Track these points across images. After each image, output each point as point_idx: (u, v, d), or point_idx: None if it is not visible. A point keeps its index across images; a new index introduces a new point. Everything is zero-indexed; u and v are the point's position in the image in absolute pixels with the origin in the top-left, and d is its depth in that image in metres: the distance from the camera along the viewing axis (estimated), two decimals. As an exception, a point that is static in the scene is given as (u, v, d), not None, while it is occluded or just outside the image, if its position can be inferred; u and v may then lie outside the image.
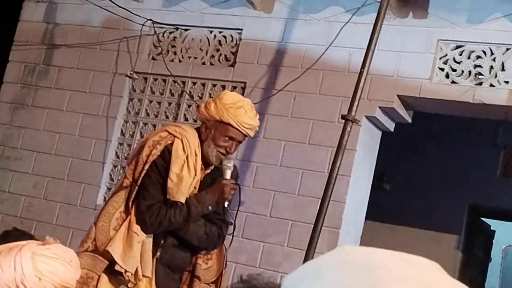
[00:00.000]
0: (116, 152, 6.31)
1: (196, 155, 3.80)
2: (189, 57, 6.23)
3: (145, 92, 6.34)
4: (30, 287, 2.10)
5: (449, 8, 5.37)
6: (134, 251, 3.67)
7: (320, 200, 4.81)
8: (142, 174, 3.75)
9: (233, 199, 4.02)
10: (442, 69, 5.37)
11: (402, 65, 5.42)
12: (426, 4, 5.45)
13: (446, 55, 5.39)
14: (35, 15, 6.84)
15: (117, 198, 3.78)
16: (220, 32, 6.17)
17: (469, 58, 5.32)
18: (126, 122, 6.37)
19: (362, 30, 5.38)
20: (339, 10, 5.67)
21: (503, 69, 5.22)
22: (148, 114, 6.30)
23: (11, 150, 6.60)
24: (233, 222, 4.02)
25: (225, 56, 6.12)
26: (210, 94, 6.07)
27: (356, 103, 4.63)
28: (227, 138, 3.82)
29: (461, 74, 5.31)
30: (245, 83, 5.96)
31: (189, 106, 6.14)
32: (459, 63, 5.34)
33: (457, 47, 5.38)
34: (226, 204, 3.87)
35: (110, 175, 6.27)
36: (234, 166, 4.00)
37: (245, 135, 3.92)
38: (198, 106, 4.11)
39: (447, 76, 5.36)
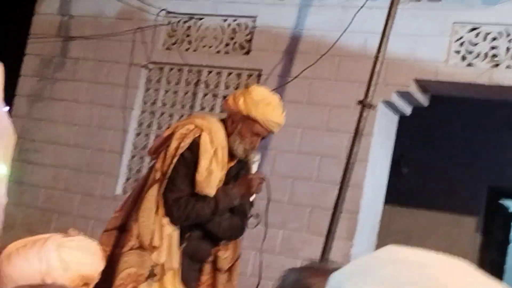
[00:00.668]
0: (134, 143, 6.34)
1: (223, 148, 3.81)
2: (204, 46, 6.23)
3: (161, 82, 6.36)
4: (56, 278, 2.13)
5: (464, -10, 5.34)
6: (164, 243, 3.69)
7: (338, 186, 4.82)
8: (170, 167, 3.76)
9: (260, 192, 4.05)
10: (458, 52, 5.35)
11: (417, 49, 5.40)
12: (440, -13, 5.42)
13: (461, 37, 5.36)
14: (50, 7, 6.87)
15: (152, 192, 3.78)
16: (234, 20, 6.17)
17: (485, 40, 5.29)
18: (143, 112, 6.40)
19: (377, 14, 5.36)
20: (353, -5, 5.66)
21: (519, 50, 5.20)
22: (164, 104, 6.32)
23: (30, 143, 6.65)
24: (257, 215, 4.04)
25: (240, 44, 6.13)
26: (225, 82, 6.08)
27: (372, 88, 4.63)
28: (253, 133, 3.83)
29: (477, 56, 5.29)
30: (260, 70, 5.96)
31: (205, 95, 6.15)
32: (475, 45, 5.31)
33: (473, 29, 5.35)
34: (252, 198, 3.88)
35: (128, 165, 6.30)
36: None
37: (270, 132, 3.93)
38: (225, 98, 4.10)
39: (463, 58, 5.34)
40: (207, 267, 3.92)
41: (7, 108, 5.32)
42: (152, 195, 3.75)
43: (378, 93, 5.11)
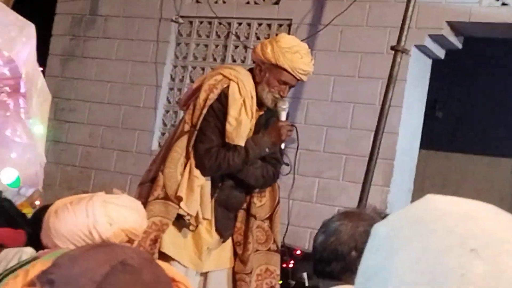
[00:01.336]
0: (167, 97, 6.37)
1: (252, 97, 3.82)
2: (233, -2, 6.20)
3: (192, 35, 6.36)
4: (102, 232, 2.18)
5: None
6: (195, 194, 3.75)
7: (373, 133, 4.81)
8: (200, 119, 3.79)
9: (289, 140, 4.06)
10: (492, -8, 5.25)
11: (449, -9, 5.31)
12: None
13: (495, -23, 5.26)
14: (77, -35, 6.86)
15: (179, 143, 3.82)
16: (262, -30, 6.11)
17: (519, -22, 5.19)
18: (175, 67, 6.41)
19: (407, -43, 5.27)
20: None
21: (555, -12, 5.09)
22: (196, 58, 6.33)
23: (65, 102, 6.72)
24: (288, 163, 4.06)
25: (269, -6, 6.08)
26: (256, 33, 6.05)
27: (405, 33, 4.58)
28: (281, 82, 3.83)
29: (511, -4, 5.19)
30: (290, 20, 5.92)
31: (236, 47, 6.14)
32: (508, -16, 5.21)
33: (506, -32, 5.24)
34: (282, 145, 3.91)
35: (163, 120, 6.35)
36: None
37: (298, 80, 3.93)
38: (253, 47, 4.10)
39: (497, -2, 5.24)
40: (241, 214, 3.97)
41: (41, 68, 5.37)
42: (180, 147, 3.79)
43: (411, 38, 5.05)
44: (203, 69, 6.24)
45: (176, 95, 6.29)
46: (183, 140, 3.81)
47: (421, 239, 0.70)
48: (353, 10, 5.56)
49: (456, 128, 8.08)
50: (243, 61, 6.02)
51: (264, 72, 3.84)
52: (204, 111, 3.77)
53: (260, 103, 3.88)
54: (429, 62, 5.76)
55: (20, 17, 4.87)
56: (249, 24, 6.12)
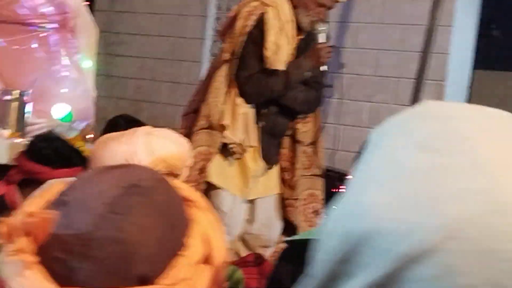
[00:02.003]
0: (214, 28, 6.34)
1: (291, 21, 3.79)
2: None
3: (236, -38, 6.28)
4: (140, 160, 2.21)
5: None
6: (239, 122, 3.76)
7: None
8: (239, 46, 3.78)
9: (331, 61, 4.03)
10: None
11: None
12: None
13: None
14: None
15: (220, 72, 3.83)
16: None
17: None
18: (221, -4, 6.37)
19: None
20: None
21: None
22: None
23: (115, 36, 6.75)
24: (332, 84, 4.02)
25: None
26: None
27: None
28: (318, 4, 3.78)
29: None
30: None
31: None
32: None
33: None
34: (323, 68, 3.87)
35: (211, 50, 6.34)
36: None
37: (336, 1, 3.87)
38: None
39: None
40: (286, 141, 3.98)
41: (87, 2, 5.41)
42: (221, 75, 3.79)
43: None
44: (249, -4, 6.17)
45: (223, 24, 6.26)
46: (224, 69, 3.81)
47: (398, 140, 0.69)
48: None
49: (512, 47, 7.86)
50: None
51: None
52: (243, 38, 3.75)
53: (299, 27, 3.84)
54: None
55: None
56: None
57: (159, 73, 6.53)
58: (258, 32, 3.74)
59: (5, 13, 4.79)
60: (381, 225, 0.63)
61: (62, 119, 4.97)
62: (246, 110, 3.78)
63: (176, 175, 2.33)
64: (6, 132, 4.47)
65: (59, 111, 4.97)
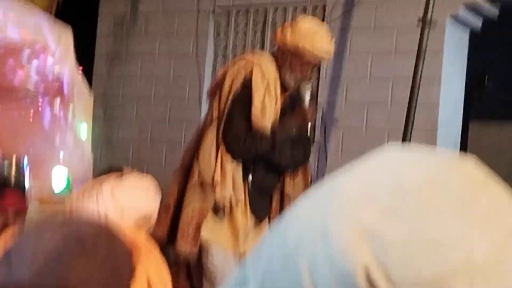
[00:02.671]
0: (210, 88, 6.48)
1: (276, 80, 3.89)
2: (267, -16, 6.25)
3: (230, 25, 6.44)
4: (112, 218, 2.27)
5: None
6: (228, 178, 3.84)
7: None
8: (227, 105, 3.88)
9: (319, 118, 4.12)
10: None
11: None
12: None
13: None
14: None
15: (210, 130, 3.92)
16: (293, -46, 6.15)
17: None
18: (216, 57, 6.51)
19: None
20: None
21: None
22: (235, 47, 6.41)
23: (114, 99, 6.90)
24: (314, 140, 4.11)
25: (302, -23, 6.11)
26: (292, 18, 6.09)
27: (431, 3, 4.55)
28: (303, 63, 3.89)
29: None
30: (325, 1, 5.95)
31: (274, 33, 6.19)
32: None
33: None
34: (309, 125, 3.96)
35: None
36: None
37: (320, 60, 3.99)
38: (274, 32, 4.16)
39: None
40: (276, 194, 4.05)
41: (81, 68, 5.55)
42: (212, 133, 3.89)
43: (444, 8, 5.03)
44: (243, 57, 6.32)
45: (219, 85, 6.39)
46: (214, 127, 3.90)
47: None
48: (384, -15, 5.55)
49: (508, 97, 7.94)
50: (281, 46, 6.08)
51: (286, 55, 3.90)
52: (230, 97, 3.85)
53: (284, 86, 3.94)
54: (466, 33, 5.70)
55: (59, 22, 5.05)
56: (284, 9, 6.17)
57: (158, 135, 6.65)
58: (244, 92, 3.85)
59: (2, 81, 4.93)
60: None
61: (61, 192, 5.07)
62: (234, 167, 3.87)
63: (147, 221, 2.39)
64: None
65: (57, 175, 5.07)
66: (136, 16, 6.87)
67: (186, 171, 3.97)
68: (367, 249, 0.58)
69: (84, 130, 5.22)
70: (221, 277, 3.81)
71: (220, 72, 4.12)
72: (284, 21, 6.13)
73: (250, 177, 3.92)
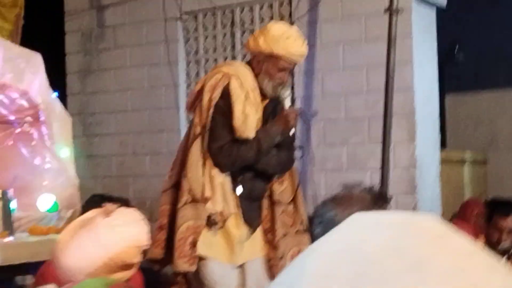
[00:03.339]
0: (187, 95, 6.47)
1: (254, 89, 3.91)
2: (231, -15, 6.25)
3: (198, 30, 6.44)
4: (120, 255, 2.29)
5: None
6: (217, 192, 3.86)
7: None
8: (208, 119, 3.88)
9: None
10: None
11: None
12: None
13: None
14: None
15: (195, 146, 3.92)
16: (254, -48, 6.15)
17: None
18: (189, 63, 6.51)
19: None
20: None
21: None
22: (206, 51, 6.42)
23: (91, 116, 6.88)
24: (302, 145, 4.15)
25: (265, -26, 6.12)
26: (259, 16, 6.10)
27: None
28: (280, 69, 3.90)
29: None
30: (290, -5, 5.96)
31: (243, 33, 6.20)
32: None
33: None
34: (292, 131, 3.98)
35: (187, 117, 6.46)
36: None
37: (295, 63, 4.01)
38: (247, 40, 4.17)
39: None
40: (266, 202, 4.07)
41: (56, 93, 5.53)
42: (196, 149, 3.90)
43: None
44: (215, 60, 6.32)
45: (194, 90, 6.39)
46: (198, 142, 3.91)
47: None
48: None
49: (481, 68, 8.02)
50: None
51: (262, 63, 3.91)
52: (211, 111, 3.86)
53: (263, 94, 3.96)
54: (433, 11, 5.74)
55: (25, 49, 5.02)
56: (251, 8, 6.17)
57: (139, 146, 6.65)
58: (224, 103, 3.85)
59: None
60: None
61: (48, 210, 5.05)
62: (222, 179, 3.88)
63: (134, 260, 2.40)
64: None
65: (44, 202, 5.06)
66: (104, 29, 6.85)
67: (176, 190, 3.97)
68: None
69: (66, 152, 5.21)
70: None
71: (197, 86, 4.12)
72: (252, 20, 6.15)
73: (239, 188, 3.94)
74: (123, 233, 2.35)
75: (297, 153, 4.17)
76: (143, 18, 6.62)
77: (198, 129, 3.93)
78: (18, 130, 5.08)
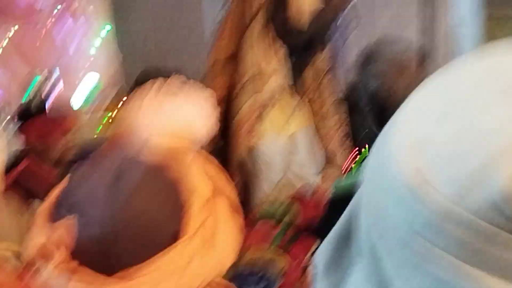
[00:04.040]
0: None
1: None
2: None
3: None
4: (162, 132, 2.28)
5: None
6: (279, 67, 3.90)
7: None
8: None
9: None
10: None
11: None
12: None
13: None
14: None
15: (257, 20, 3.88)
16: None
17: None
18: None
19: None
20: None
21: None
22: None
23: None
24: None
25: None
26: None
27: None
28: None
29: None
30: None
31: None
32: None
33: None
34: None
35: None
36: None
37: None
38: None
39: None
40: (309, 72, 4.08)
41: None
42: (258, 23, 3.85)
43: None
44: None
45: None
46: (260, 17, 3.90)
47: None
48: None
49: None
50: None
51: None
52: None
53: None
54: None
55: None
56: None
57: (175, 19, 6.52)
58: None
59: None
60: None
61: (93, 89, 5.07)
62: (281, 54, 3.89)
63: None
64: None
65: (89, 81, 5.07)
66: None
67: (233, 63, 3.93)
68: (420, 154, 0.59)
69: (106, 30, 5.16)
70: (275, 159, 3.88)
71: None
72: None
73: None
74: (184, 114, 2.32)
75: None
76: None
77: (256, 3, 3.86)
78: (59, 6, 4.98)
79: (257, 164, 3.90)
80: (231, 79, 3.91)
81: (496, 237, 0.54)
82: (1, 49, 4.79)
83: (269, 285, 3.03)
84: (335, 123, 3.99)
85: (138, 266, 1.05)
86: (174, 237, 1.08)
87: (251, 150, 3.87)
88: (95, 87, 5.07)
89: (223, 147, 3.83)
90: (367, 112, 2.27)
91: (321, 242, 0.76)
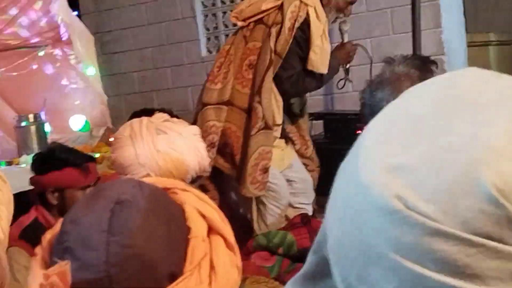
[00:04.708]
0: (202, 2, 6.36)
1: (326, 22, 3.91)
2: None
3: None
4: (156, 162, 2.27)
5: None
6: (277, 114, 3.94)
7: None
8: (286, 48, 3.86)
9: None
10: None
11: None
12: None
13: None
14: None
15: (269, 73, 3.89)
16: None
17: None
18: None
19: None
20: None
21: None
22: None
23: (107, 34, 6.78)
24: (351, 80, 4.23)
25: None
26: None
27: None
28: (349, 2, 3.93)
29: None
30: None
31: None
32: None
33: None
34: (347, 66, 4.03)
35: (204, 25, 6.37)
36: None
37: None
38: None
39: None
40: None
41: (75, 12, 5.45)
42: (270, 76, 3.86)
43: None
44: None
45: (211, -1, 6.28)
46: (271, 70, 3.88)
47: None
48: None
49: None
50: None
51: None
52: (290, 40, 3.83)
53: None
54: None
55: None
56: None
57: (160, 60, 6.58)
58: (302, 34, 3.86)
59: (1, 41, 4.85)
60: None
61: (80, 130, 5.06)
62: (281, 105, 4.00)
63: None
64: (31, 157, 4.52)
65: (76, 123, 5.06)
66: None
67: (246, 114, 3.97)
68: (396, 181, 0.58)
69: (91, 71, 5.18)
70: (282, 192, 3.94)
71: (267, 3, 3.99)
72: None
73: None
74: (175, 146, 2.31)
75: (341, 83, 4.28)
76: None
77: (271, 56, 3.86)
78: (42, 52, 5.02)
79: (266, 197, 3.94)
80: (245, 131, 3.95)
81: (485, 247, 0.55)
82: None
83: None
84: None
85: None
86: (170, 278, 1.05)
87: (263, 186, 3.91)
88: (82, 128, 5.07)
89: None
90: None
91: None
